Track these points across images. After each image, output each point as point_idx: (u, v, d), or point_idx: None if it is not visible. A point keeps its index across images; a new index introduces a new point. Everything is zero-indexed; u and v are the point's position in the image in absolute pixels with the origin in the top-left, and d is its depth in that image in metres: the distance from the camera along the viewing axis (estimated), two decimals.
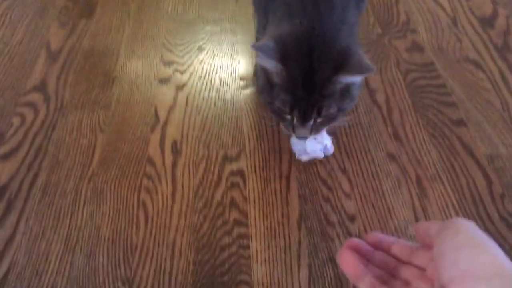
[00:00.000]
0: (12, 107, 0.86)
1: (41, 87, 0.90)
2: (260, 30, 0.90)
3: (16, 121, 0.84)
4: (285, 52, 0.61)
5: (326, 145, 0.72)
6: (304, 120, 0.64)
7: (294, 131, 0.66)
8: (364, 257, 0.57)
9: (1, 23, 1.05)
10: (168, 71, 0.95)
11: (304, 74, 0.61)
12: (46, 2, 1.11)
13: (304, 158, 0.72)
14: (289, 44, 0.62)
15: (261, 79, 0.67)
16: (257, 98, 0.89)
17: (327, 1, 0.67)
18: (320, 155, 0.72)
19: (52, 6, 1.10)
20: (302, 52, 0.61)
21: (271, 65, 0.62)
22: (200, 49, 1.00)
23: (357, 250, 0.58)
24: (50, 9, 1.09)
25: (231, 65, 0.97)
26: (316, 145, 0.71)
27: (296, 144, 0.72)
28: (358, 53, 0.61)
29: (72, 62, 0.96)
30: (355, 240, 0.60)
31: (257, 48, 0.61)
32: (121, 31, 1.04)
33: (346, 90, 0.62)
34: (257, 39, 0.97)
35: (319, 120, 0.64)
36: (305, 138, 0.69)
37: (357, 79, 0.62)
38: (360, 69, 0.60)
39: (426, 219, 0.71)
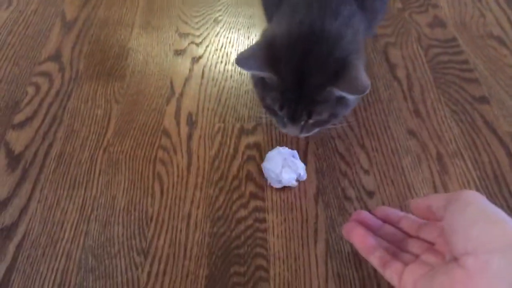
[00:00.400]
0: (27, 76, 0.85)
1: (56, 56, 0.89)
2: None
3: (31, 90, 0.83)
4: (275, 56, 0.58)
5: (300, 173, 0.68)
6: (293, 120, 0.62)
7: (284, 128, 0.65)
8: (372, 230, 0.57)
9: None
10: (184, 43, 0.93)
11: (296, 78, 0.58)
12: None
13: (277, 186, 0.69)
14: (282, 47, 0.59)
15: (258, 84, 0.65)
16: None
17: (333, 2, 0.63)
18: (295, 184, 0.68)
19: None
20: (296, 55, 0.58)
21: (256, 73, 0.60)
22: (216, 21, 0.98)
23: (364, 223, 0.57)
24: None
25: (248, 38, 0.95)
26: (291, 174, 0.67)
27: (269, 171, 0.67)
28: (356, 68, 0.57)
29: (87, 32, 0.94)
30: (363, 213, 0.59)
31: (241, 64, 0.58)
32: (136, 1, 1.03)
33: (342, 99, 0.60)
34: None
35: (310, 121, 0.62)
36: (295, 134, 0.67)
37: (349, 96, 0.59)
38: (353, 89, 0.57)
39: None
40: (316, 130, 0.67)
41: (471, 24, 0.96)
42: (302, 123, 0.63)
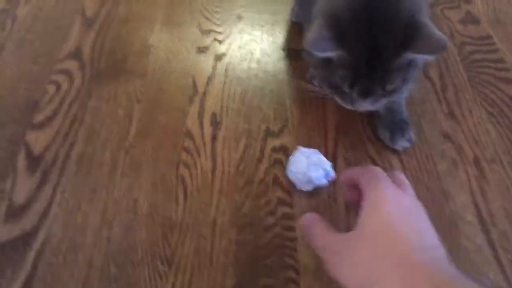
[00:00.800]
0: (47, 74, 0.83)
1: (77, 54, 0.87)
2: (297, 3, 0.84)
3: (51, 88, 0.81)
4: (342, 33, 0.55)
5: (327, 170, 0.64)
6: (366, 95, 0.58)
7: (353, 105, 0.61)
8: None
9: None
10: (206, 40, 0.90)
11: (367, 50, 0.55)
12: None
13: (307, 188, 0.65)
14: (347, 22, 0.55)
15: (314, 55, 0.61)
16: (301, 70, 0.84)
17: None
18: (324, 182, 0.65)
19: None
20: (363, 27, 0.55)
21: (330, 54, 0.56)
22: (239, 17, 0.95)
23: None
24: None
25: (272, 35, 0.91)
26: (319, 171, 0.63)
27: (295, 174, 0.64)
28: (427, 26, 0.54)
29: (108, 29, 0.92)
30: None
31: (314, 48, 0.55)
32: None
33: (413, 61, 0.56)
34: (294, 12, 0.92)
35: (381, 92, 0.59)
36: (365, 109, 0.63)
37: (427, 56, 0.56)
38: (432, 48, 0.53)
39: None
40: (384, 101, 0.62)
41: (505, 21, 0.92)
42: (373, 96, 0.60)
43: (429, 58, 0.57)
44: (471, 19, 0.93)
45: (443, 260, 0.40)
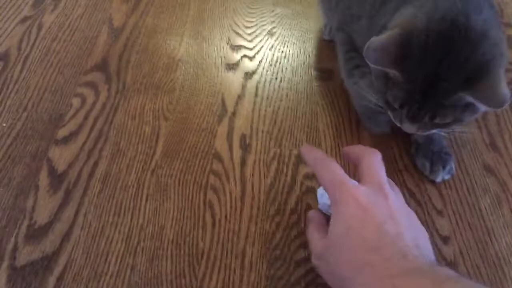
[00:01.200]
0: (72, 87, 0.81)
1: (103, 66, 0.84)
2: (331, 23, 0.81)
3: (76, 102, 0.78)
4: (407, 54, 0.52)
5: None
6: (413, 120, 0.56)
7: (401, 124, 0.58)
8: None
9: None
10: (236, 56, 0.87)
11: (426, 78, 0.52)
12: None
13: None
14: (419, 46, 0.52)
15: (366, 77, 0.59)
16: (333, 91, 0.80)
17: None
18: None
19: None
20: (433, 56, 0.51)
21: (387, 70, 0.54)
22: (270, 33, 0.92)
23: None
24: None
25: (304, 53, 0.88)
26: None
27: (325, 205, 0.60)
28: (497, 76, 0.50)
29: (135, 41, 0.89)
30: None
31: (369, 56, 0.52)
32: (186, 9, 0.97)
33: (471, 105, 0.53)
34: (326, 29, 0.88)
35: (430, 123, 0.56)
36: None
37: (482, 107, 0.52)
38: (488, 100, 0.50)
39: None
40: (434, 130, 0.59)
41: None
42: (422, 122, 0.57)
43: (488, 109, 0.53)
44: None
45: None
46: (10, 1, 0.97)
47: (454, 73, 0.51)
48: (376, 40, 0.53)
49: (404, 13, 0.56)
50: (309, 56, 0.88)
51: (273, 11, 0.97)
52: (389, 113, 0.60)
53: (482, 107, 0.53)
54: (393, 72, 0.54)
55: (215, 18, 0.95)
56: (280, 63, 0.86)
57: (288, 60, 0.87)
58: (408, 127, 0.58)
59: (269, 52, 0.88)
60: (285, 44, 0.90)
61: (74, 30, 0.91)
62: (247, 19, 0.95)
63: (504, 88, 0.50)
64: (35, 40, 0.89)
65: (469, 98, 0.51)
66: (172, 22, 0.94)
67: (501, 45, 0.53)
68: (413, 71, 0.52)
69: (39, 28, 0.92)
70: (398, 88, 0.55)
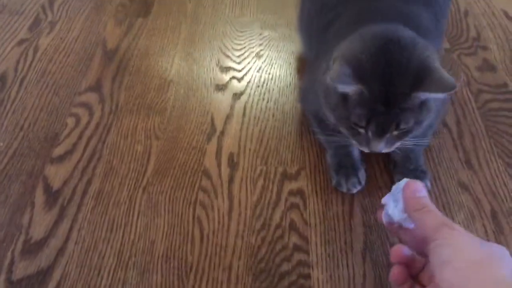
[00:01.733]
0: (67, 107, 0.84)
1: (97, 87, 0.88)
2: (307, 51, 0.87)
3: (70, 122, 0.82)
4: (362, 72, 0.58)
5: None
6: (381, 134, 0.60)
7: (368, 146, 0.63)
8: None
9: (58, 17, 1.04)
10: (225, 77, 0.91)
11: (382, 89, 0.58)
12: None
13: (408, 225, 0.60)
14: (366, 63, 0.59)
15: (332, 97, 0.63)
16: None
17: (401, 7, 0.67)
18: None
19: (109, 2, 1.08)
20: (380, 69, 0.58)
21: (349, 89, 0.58)
22: (258, 55, 0.96)
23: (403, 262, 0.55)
24: (107, 6, 1.07)
25: (290, 74, 0.93)
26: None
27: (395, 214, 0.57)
28: (437, 69, 0.58)
29: (128, 63, 0.93)
30: (401, 251, 0.56)
31: (337, 81, 0.58)
32: (177, 32, 1.01)
33: (425, 104, 0.60)
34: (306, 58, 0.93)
35: (395, 133, 0.61)
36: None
37: (438, 95, 0.60)
38: (441, 87, 0.57)
39: None
40: (398, 143, 0.64)
41: None
42: (388, 135, 0.61)
43: (440, 96, 0.61)
44: (488, 66, 0.94)
45: None
46: (7, 24, 1.01)
47: (403, 78, 0.58)
48: (333, 72, 0.59)
49: (345, 44, 0.63)
50: (294, 77, 0.92)
51: (261, 34, 1.02)
52: (354, 141, 0.64)
53: (436, 101, 0.61)
54: (357, 89, 0.59)
55: (205, 40, 1.00)
56: (267, 84, 0.90)
57: (275, 81, 0.91)
58: (376, 145, 0.62)
59: (257, 73, 0.92)
60: (272, 66, 0.94)
61: (69, 53, 0.95)
62: (236, 41, 0.99)
63: (447, 75, 0.58)
64: (31, 62, 0.93)
65: (424, 95, 0.58)
66: (164, 45, 0.98)
67: (430, 47, 0.61)
68: (371, 84, 0.58)
69: (35, 50, 0.95)
70: (360, 106, 0.59)
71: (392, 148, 0.65)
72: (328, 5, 0.75)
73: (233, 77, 0.91)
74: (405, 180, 0.56)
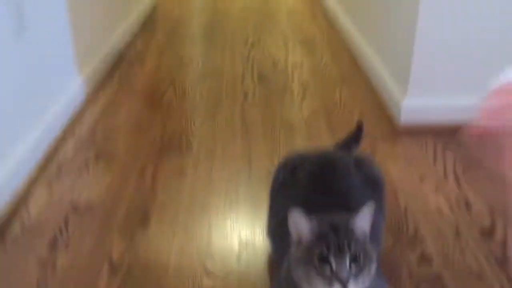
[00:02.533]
0: None
1: None
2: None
3: None
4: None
5: None
6: (340, 253, 0.72)
7: (337, 277, 0.72)
8: None
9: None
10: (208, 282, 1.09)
11: (326, 220, 0.77)
12: (109, 213, 1.32)
13: None
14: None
15: (301, 264, 0.76)
16: None
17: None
18: None
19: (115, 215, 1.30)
20: (318, 206, 0.81)
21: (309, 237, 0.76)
22: None
23: None
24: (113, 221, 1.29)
25: None
26: None
27: None
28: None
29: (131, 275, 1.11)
30: None
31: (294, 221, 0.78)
32: (171, 240, 1.21)
33: (367, 239, 0.78)
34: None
35: (354, 266, 0.72)
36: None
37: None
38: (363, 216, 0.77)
39: None
40: (362, 275, 0.73)
41: (453, 260, 1.10)
42: (347, 257, 0.72)
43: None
44: (425, 259, 1.11)
45: None
46: None
47: (340, 207, 0.81)
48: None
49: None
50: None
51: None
52: (322, 281, 0.73)
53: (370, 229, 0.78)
54: (307, 230, 0.76)
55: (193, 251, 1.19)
56: None
57: None
58: (342, 271, 0.72)
59: None
60: None
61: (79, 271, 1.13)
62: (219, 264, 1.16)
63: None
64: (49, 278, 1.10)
65: (359, 223, 0.76)
66: (158, 257, 1.17)
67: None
68: (318, 222, 0.76)
69: (53, 269, 1.13)
70: (316, 242, 0.75)
71: (357, 281, 0.73)
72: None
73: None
74: None
